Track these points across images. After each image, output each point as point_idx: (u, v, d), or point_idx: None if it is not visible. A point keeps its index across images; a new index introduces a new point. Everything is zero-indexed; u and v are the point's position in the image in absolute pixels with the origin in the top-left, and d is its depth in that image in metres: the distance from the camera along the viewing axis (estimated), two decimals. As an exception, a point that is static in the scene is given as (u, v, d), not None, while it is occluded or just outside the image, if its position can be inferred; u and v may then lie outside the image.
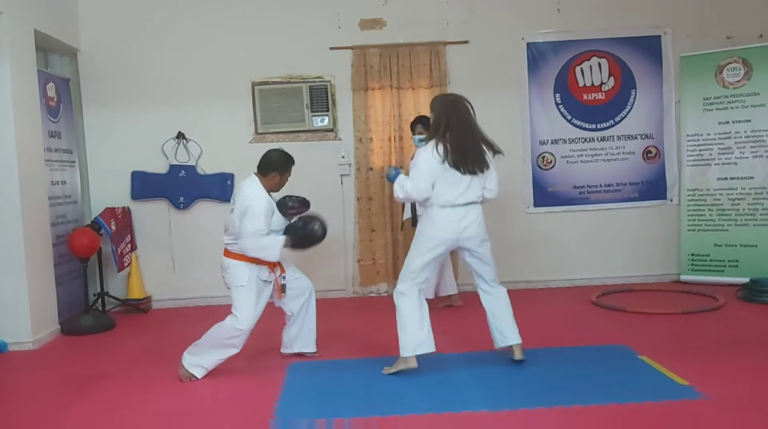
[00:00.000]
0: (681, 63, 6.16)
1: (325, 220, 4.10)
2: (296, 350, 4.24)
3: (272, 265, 3.99)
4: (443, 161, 3.65)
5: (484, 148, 3.76)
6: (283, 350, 4.28)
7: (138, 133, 6.04)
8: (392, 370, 3.79)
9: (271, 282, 4.00)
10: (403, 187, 3.78)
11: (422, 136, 5.22)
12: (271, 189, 4.01)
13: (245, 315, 3.84)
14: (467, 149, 3.69)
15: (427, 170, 3.69)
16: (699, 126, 6.11)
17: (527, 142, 6.24)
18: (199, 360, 3.88)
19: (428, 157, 3.68)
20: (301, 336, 4.22)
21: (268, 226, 3.86)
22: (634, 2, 6.20)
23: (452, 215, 3.73)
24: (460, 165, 3.67)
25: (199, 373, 3.89)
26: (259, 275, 3.93)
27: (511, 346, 3.87)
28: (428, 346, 3.78)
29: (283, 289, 4.02)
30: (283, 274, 4.02)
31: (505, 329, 3.86)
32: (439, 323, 4.97)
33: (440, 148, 3.67)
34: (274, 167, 3.99)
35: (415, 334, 3.74)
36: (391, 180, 3.95)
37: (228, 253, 3.96)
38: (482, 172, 3.74)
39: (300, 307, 4.16)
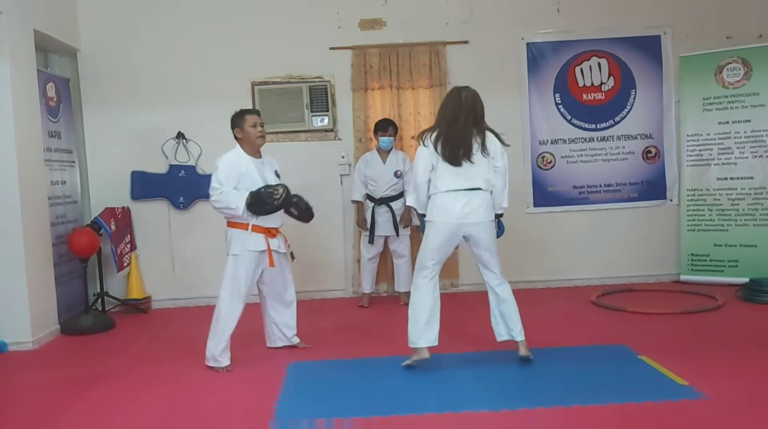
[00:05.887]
0: (681, 63, 6.16)
1: (301, 199, 4.15)
2: (280, 344, 4.39)
3: (271, 234, 4.09)
4: (435, 151, 3.80)
5: (473, 140, 3.81)
6: (269, 344, 4.44)
7: (138, 133, 6.04)
8: (408, 362, 3.87)
9: (265, 251, 4.07)
10: (410, 194, 4.00)
11: (392, 138, 5.58)
12: (251, 147, 4.12)
13: (231, 283, 4.01)
14: (453, 142, 3.79)
15: (423, 155, 3.85)
16: (699, 126, 6.11)
17: (527, 142, 6.24)
18: (212, 349, 4.05)
19: (422, 150, 3.86)
20: (288, 332, 4.37)
21: (231, 183, 3.99)
22: (634, 2, 6.20)
23: (454, 200, 3.80)
24: (448, 157, 3.79)
25: (224, 360, 4.04)
26: (247, 246, 4.01)
27: (516, 342, 3.90)
28: (430, 340, 3.85)
29: (291, 256, 4.22)
30: (286, 244, 4.20)
31: (510, 324, 3.91)
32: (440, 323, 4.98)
33: (431, 139, 3.83)
34: (234, 124, 4.12)
35: (418, 327, 3.83)
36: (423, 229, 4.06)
37: (228, 222, 4.11)
38: (470, 160, 3.79)
39: (275, 306, 4.33)
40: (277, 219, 4.14)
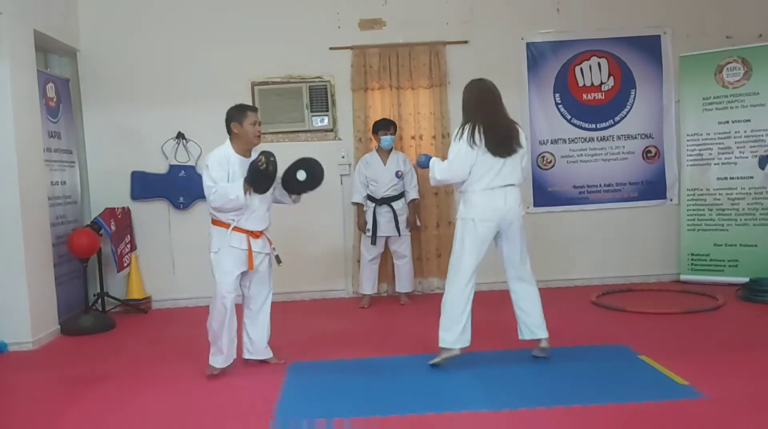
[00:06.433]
0: (681, 63, 6.16)
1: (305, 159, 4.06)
2: (255, 357, 4.13)
3: (254, 235, 3.93)
4: (477, 145, 3.69)
5: (517, 128, 3.84)
6: (244, 356, 4.15)
7: (138, 133, 6.04)
8: (437, 360, 3.85)
9: (245, 250, 3.90)
10: (440, 169, 3.80)
11: (393, 137, 5.57)
12: (245, 145, 3.94)
13: (219, 280, 3.89)
14: (498, 132, 3.74)
15: (462, 153, 3.72)
16: (699, 126, 6.11)
17: (527, 142, 6.22)
18: (212, 349, 3.95)
19: (462, 142, 3.72)
20: (253, 344, 4.12)
21: (224, 180, 3.83)
22: (633, 2, 6.21)
23: (493, 198, 3.76)
24: (492, 148, 3.71)
25: (216, 363, 3.93)
26: (229, 242, 3.85)
27: (538, 340, 3.92)
28: (465, 342, 3.82)
29: (278, 259, 4.06)
30: (271, 247, 4.04)
31: (533, 325, 3.91)
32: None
33: (472, 131, 3.71)
34: (231, 118, 3.93)
35: (456, 332, 3.80)
36: (423, 165, 4.01)
37: (213, 220, 3.97)
38: (514, 152, 3.78)
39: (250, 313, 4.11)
40: (260, 221, 3.96)
